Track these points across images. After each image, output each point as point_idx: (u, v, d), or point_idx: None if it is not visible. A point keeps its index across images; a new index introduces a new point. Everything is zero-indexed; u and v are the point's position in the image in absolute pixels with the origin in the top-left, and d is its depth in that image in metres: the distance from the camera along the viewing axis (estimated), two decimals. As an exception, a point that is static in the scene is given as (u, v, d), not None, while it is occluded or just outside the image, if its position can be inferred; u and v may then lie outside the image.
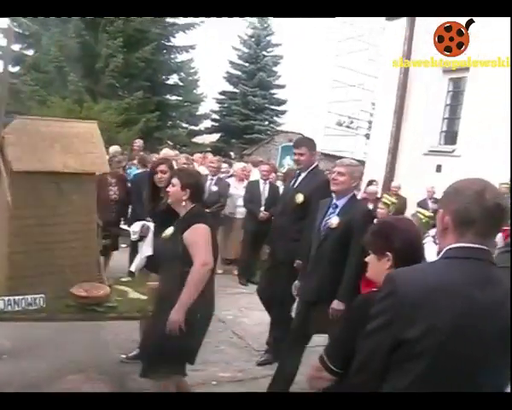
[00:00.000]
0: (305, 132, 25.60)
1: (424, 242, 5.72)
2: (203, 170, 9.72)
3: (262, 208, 8.86)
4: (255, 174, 9.98)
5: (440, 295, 1.70)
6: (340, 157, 21.39)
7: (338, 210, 4.22)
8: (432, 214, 6.26)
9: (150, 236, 5.18)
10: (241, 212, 9.37)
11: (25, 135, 3.90)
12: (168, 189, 3.74)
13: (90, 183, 4.28)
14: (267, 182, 9.16)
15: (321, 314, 4.11)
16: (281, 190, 9.41)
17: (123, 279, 4.90)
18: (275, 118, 29.03)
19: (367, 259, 2.40)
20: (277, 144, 23.90)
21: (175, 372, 3.60)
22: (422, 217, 6.21)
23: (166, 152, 10.42)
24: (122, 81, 21.92)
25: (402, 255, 2.22)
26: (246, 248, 9.18)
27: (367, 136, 20.34)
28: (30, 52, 22.51)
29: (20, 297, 3.68)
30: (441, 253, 1.83)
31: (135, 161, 10.85)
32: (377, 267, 2.31)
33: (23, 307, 3.69)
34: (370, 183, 11.10)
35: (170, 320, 3.36)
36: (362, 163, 18.10)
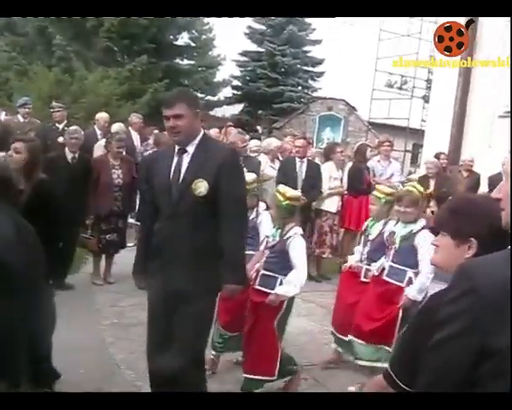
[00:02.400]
0: (347, 98, 25.54)
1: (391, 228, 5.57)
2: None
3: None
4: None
5: None
6: (393, 126, 21.10)
7: None
8: (393, 191, 5.93)
9: None
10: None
11: None
12: None
13: None
14: (304, 160, 9.10)
15: None
16: (323, 169, 9.35)
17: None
18: (310, 82, 28.87)
19: (436, 241, 2.31)
20: (314, 114, 23.80)
21: None
22: (381, 196, 5.80)
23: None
24: (121, 43, 22.06)
25: (489, 243, 2.11)
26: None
27: (425, 98, 20.01)
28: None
29: None
30: None
31: (150, 141, 10.86)
32: (453, 255, 2.22)
33: None
34: (437, 156, 10.87)
35: None
36: (420, 132, 17.91)
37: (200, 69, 25.76)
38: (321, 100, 25.12)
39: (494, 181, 9.67)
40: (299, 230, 5.02)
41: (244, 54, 29.02)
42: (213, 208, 4.03)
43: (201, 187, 3.98)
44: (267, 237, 5.23)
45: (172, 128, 4.08)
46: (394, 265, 5.35)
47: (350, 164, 10.02)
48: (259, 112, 27.56)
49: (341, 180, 9.60)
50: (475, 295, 1.69)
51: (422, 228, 5.27)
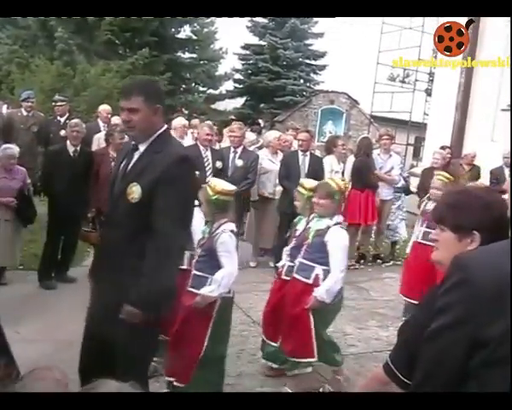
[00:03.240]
0: (349, 91, 25.51)
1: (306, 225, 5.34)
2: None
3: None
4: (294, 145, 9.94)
5: None
6: (395, 119, 21.08)
7: None
8: (314, 186, 5.51)
9: None
10: (278, 191, 9.33)
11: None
12: None
13: None
14: (307, 153, 9.10)
15: None
16: (324, 162, 9.35)
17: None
18: (312, 75, 28.83)
19: (435, 236, 2.30)
20: (316, 107, 23.78)
21: None
22: (304, 191, 5.52)
23: (180, 121, 10.44)
24: (123, 37, 22.06)
25: (490, 235, 2.08)
26: (283, 235, 9.13)
27: (427, 91, 19.98)
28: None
29: None
30: None
31: None
32: (455, 250, 2.15)
33: None
34: (443, 149, 10.86)
35: None
36: (422, 126, 17.87)
37: (201, 62, 25.72)
38: (323, 93, 25.10)
39: (496, 174, 9.69)
40: (230, 226, 4.63)
41: (246, 47, 28.95)
42: (147, 219, 3.50)
43: (135, 192, 3.53)
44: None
45: (126, 122, 3.67)
46: (303, 261, 5.11)
47: (351, 158, 10.00)
48: (261, 105, 27.51)
49: (342, 173, 9.59)
50: (468, 285, 1.71)
51: (336, 224, 5.03)
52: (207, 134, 8.61)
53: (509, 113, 12.25)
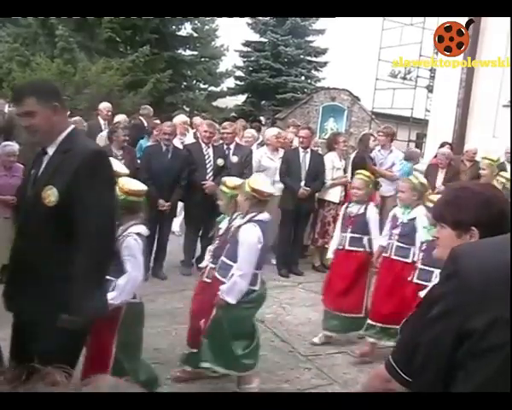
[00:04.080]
0: (351, 88, 25.49)
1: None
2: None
3: (302, 183, 8.86)
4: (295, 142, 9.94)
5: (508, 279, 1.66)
6: (396, 116, 21.01)
7: None
8: (239, 184, 5.30)
9: None
10: (278, 188, 9.31)
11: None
12: None
13: None
14: (308, 150, 9.10)
15: None
16: (326, 159, 9.35)
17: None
18: (313, 72, 28.83)
19: (436, 233, 2.31)
20: (317, 104, 23.72)
21: None
22: (227, 190, 5.34)
23: (181, 119, 10.46)
24: (123, 34, 22.07)
25: (489, 231, 2.10)
26: (284, 232, 9.15)
27: (429, 88, 19.96)
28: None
29: None
30: None
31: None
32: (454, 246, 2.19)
33: None
34: (443, 146, 10.88)
35: None
36: (424, 122, 17.86)
37: (202, 60, 25.73)
38: (324, 90, 25.04)
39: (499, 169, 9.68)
40: (137, 228, 4.31)
41: (247, 44, 28.91)
42: (69, 224, 3.26)
43: (51, 195, 3.26)
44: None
45: (27, 128, 3.39)
46: (224, 260, 4.97)
47: (354, 154, 10.01)
48: (262, 102, 27.53)
49: (344, 170, 9.60)
50: (457, 277, 1.74)
51: (247, 222, 4.88)
52: (205, 131, 8.62)
53: (509, 109, 12.27)
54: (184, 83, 25.56)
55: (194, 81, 26.46)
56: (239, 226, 4.89)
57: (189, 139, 10.63)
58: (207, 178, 8.35)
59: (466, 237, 2.20)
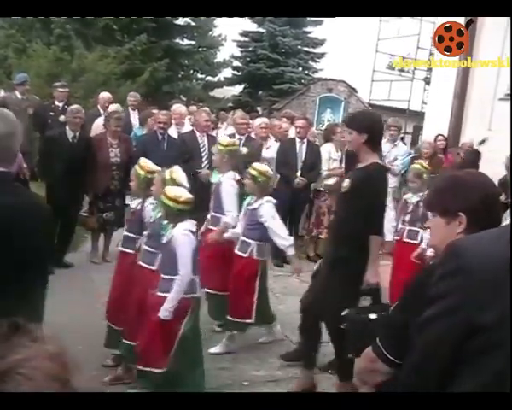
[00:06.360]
0: (348, 79, 25.47)
1: None
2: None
3: (298, 173, 8.92)
4: (291, 132, 9.95)
5: None
6: (393, 108, 21.01)
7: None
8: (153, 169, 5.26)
9: None
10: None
11: None
12: None
13: None
14: (304, 141, 9.11)
15: None
16: (322, 150, 9.37)
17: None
18: (310, 63, 28.74)
19: (428, 223, 2.35)
20: (314, 95, 23.74)
21: None
22: (141, 172, 5.24)
23: (178, 108, 10.45)
24: (120, 22, 21.96)
25: (478, 217, 2.14)
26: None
27: (426, 80, 19.97)
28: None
29: None
30: None
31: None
32: (445, 233, 2.21)
33: None
34: (436, 138, 10.89)
35: None
36: (420, 114, 17.86)
37: (200, 49, 25.61)
38: (321, 81, 25.03)
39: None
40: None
41: (245, 34, 28.82)
42: None
43: None
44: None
45: None
46: (147, 248, 4.89)
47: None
48: (260, 93, 27.46)
49: (341, 161, 9.62)
50: (463, 274, 1.72)
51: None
52: (206, 120, 8.63)
53: (507, 102, 12.29)
54: (181, 72, 25.47)
55: (192, 71, 26.35)
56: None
57: (186, 128, 10.63)
58: (202, 166, 8.36)
59: (455, 223, 2.20)
